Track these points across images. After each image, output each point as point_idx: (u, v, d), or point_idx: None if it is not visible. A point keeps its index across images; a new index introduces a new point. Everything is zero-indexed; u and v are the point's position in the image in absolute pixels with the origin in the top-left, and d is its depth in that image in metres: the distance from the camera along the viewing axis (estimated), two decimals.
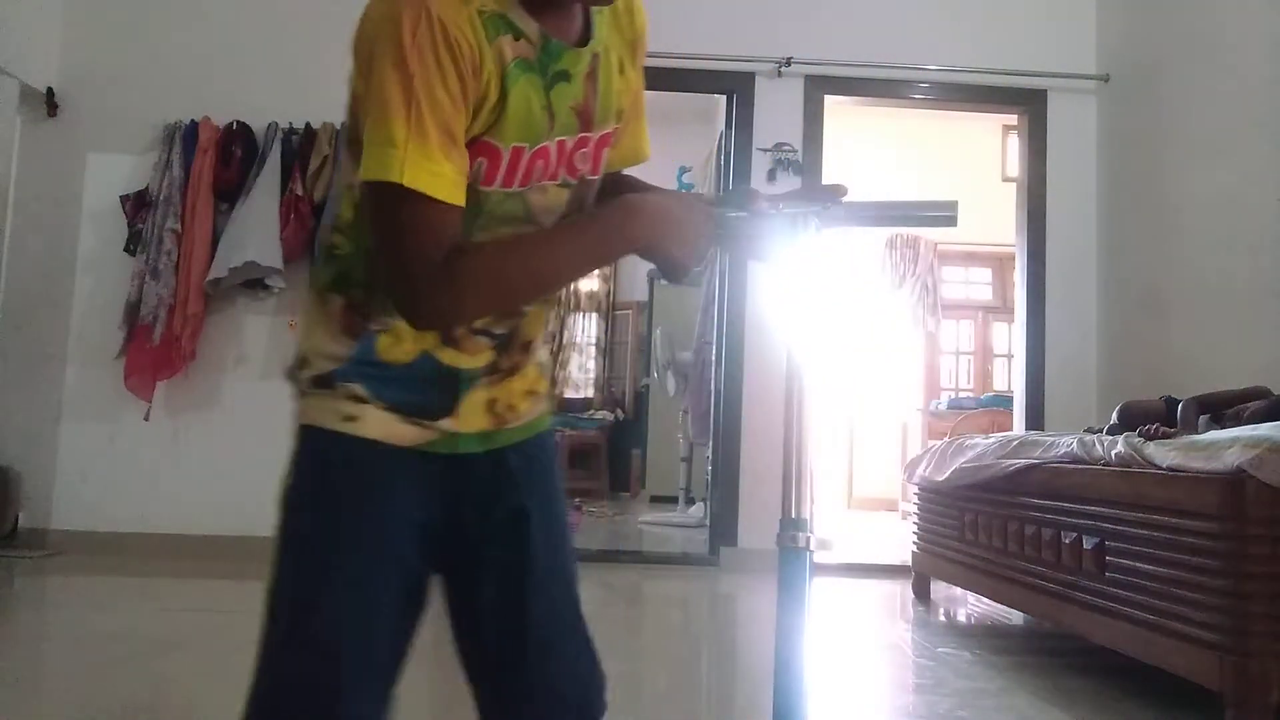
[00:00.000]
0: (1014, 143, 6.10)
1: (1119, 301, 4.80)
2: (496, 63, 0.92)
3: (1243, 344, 3.79)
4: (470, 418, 1.06)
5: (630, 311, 9.02)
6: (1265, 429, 2.38)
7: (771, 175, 4.91)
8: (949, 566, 3.83)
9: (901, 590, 4.40)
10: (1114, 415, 3.28)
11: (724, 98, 5.25)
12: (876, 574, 4.86)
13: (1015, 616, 3.88)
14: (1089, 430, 3.40)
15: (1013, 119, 5.76)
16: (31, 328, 4.69)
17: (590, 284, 9.06)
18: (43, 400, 4.64)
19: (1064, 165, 5.05)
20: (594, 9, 1.01)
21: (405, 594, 1.03)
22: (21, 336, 4.67)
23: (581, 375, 9.14)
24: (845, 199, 1.02)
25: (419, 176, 0.88)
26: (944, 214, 1.01)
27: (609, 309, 9.11)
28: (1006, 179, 7.42)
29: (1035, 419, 4.92)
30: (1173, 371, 4.15)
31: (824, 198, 1.01)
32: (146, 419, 4.56)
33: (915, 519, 4.24)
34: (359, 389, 1.01)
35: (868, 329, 8.47)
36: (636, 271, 8.65)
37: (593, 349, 9.10)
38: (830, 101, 5.03)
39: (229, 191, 4.64)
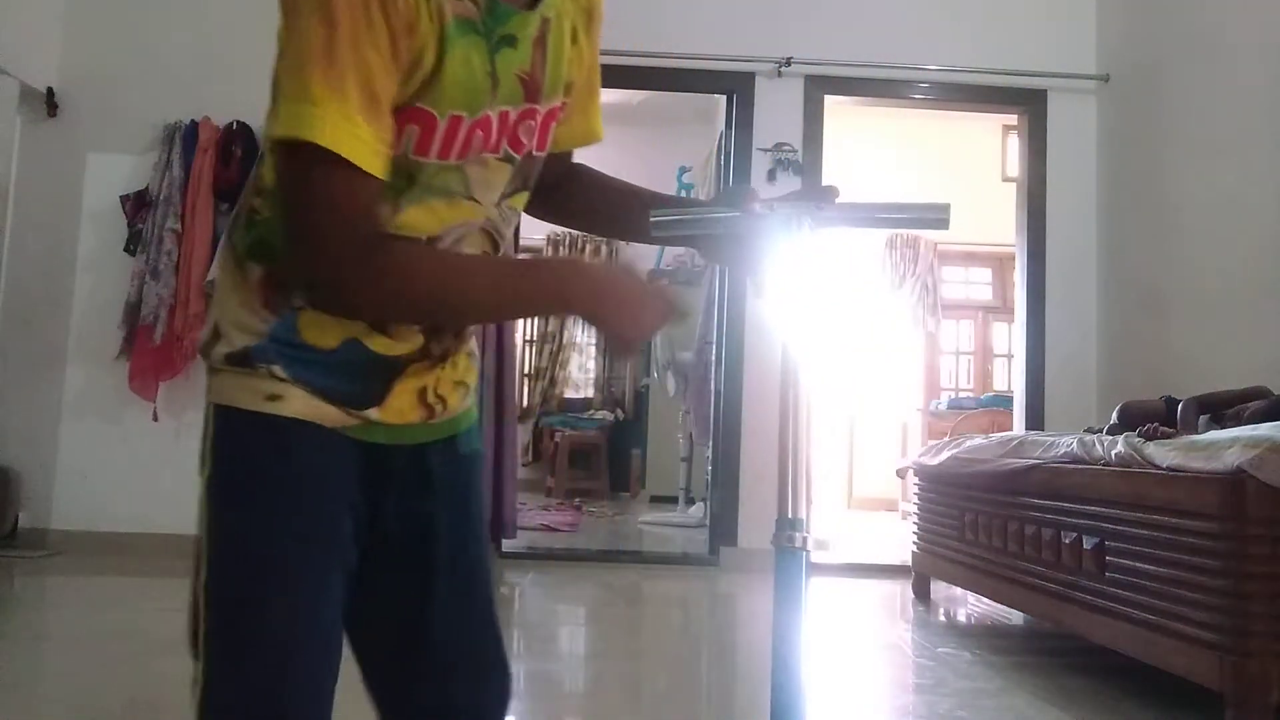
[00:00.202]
0: (1014, 143, 6.10)
1: (1119, 301, 4.80)
2: (435, 21, 0.84)
3: (1243, 344, 3.79)
4: (399, 408, 0.98)
5: None
6: (1265, 429, 2.38)
7: (771, 175, 4.91)
8: (949, 566, 3.83)
9: (901, 590, 4.40)
10: (1114, 415, 3.28)
11: (724, 98, 5.25)
12: (876, 574, 4.86)
13: (1015, 616, 3.88)
14: (1089, 430, 3.40)
15: (1013, 119, 5.76)
16: (32, 328, 4.68)
17: None
18: (43, 400, 4.63)
19: (1064, 165, 5.05)
20: None
21: (348, 581, 0.95)
22: (22, 336, 4.67)
23: (581, 375, 9.15)
24: (838, 200, 1.01)
25: (340, 139, 0.79)
26: (936, 216, 1.01)
27: None
28: (1006, 179, 7.42)
29: (1035, 419, 4.92)
30: (1173, 371, 4.15)
31: (817, 199, 1.00)
32: (155, 419, 4.55)
33: (915, 519, 4.24)
34: (278, 370, 0.92)
35: (868, 329, 8.47)
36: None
37: (593, 349, 9.10)
38: (830, 101, 5.03)
39: (229, 191, 4.63)
